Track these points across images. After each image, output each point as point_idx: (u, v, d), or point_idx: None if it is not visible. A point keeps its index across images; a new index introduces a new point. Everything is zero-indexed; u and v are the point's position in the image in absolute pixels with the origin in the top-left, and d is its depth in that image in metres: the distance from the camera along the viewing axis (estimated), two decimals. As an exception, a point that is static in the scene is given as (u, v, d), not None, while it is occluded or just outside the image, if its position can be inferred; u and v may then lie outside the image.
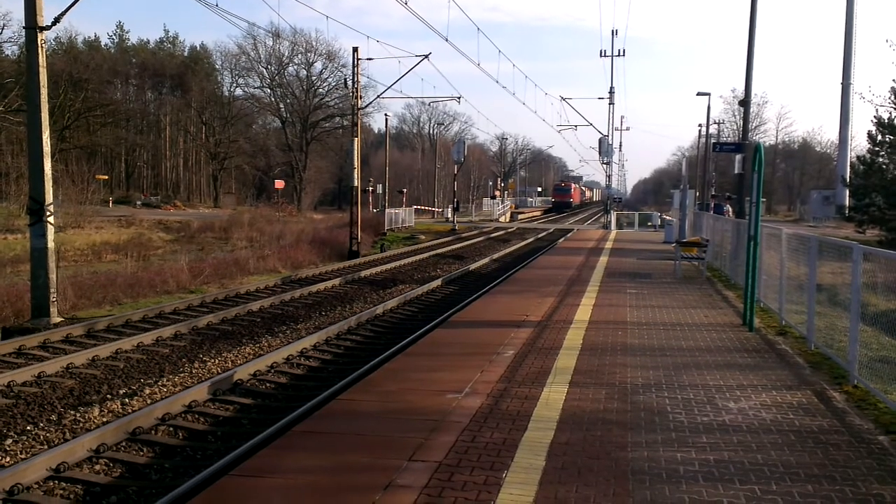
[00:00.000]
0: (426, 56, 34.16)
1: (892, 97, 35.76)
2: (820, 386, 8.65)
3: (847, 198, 56.46)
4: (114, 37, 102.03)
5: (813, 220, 66.66)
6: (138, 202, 73.83)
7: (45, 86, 15.54)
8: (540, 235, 44.68)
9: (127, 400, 9.79)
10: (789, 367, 9.63)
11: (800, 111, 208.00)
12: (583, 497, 5.37)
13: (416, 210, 63.40)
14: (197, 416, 9.21)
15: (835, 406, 7.86)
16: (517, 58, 64.67)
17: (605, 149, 50.25)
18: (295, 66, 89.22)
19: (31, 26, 15.22)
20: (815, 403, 7.91)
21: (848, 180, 55.90)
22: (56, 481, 7.13)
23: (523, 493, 5.43)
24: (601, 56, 51.70)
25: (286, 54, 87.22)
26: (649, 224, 54.42)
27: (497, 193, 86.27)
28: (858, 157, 53.65)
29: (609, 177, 53.44)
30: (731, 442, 6.60)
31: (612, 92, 49.99)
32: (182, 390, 10.19)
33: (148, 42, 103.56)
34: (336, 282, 20.49)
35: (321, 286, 19.64)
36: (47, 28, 15.38)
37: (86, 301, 17.63)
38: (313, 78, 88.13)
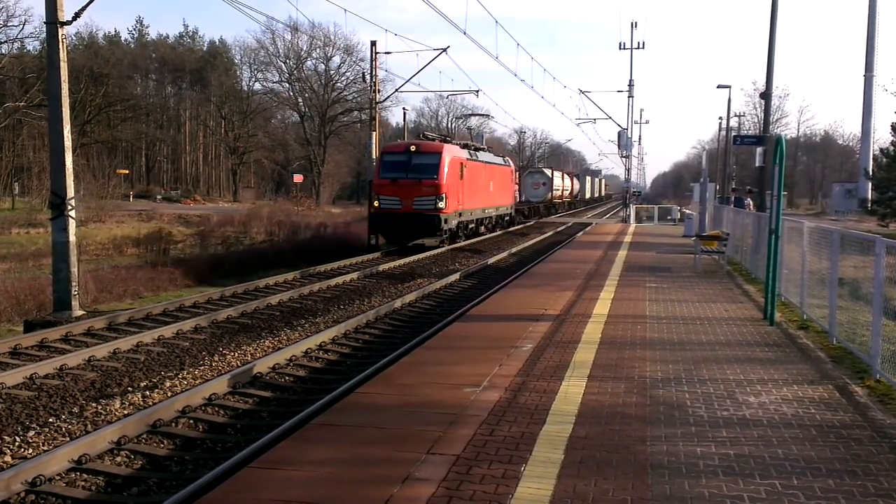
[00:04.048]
0: (444, 49, 34.09)
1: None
2: (842, 380, 8.57)
3: (870, 191, 56.06)
4: (133, 32, 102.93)
5: (835, 214, 66.19)
6: (158, 196, 74.39)
7: (66, 80, 15.64)
8: (559, 229, 44.52)
9: (148, 392, 9.86)
10: (811, 361, 9.55)
11: (821, 104, 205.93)
12: (602, 491, 5.35)
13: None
14: (217, 408, 9.27)
15: (857, 401, 7.79)
16: (536, 51, 64.45)
17: (624, 142, 49.97)
18: (313, 61, 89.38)
19: (52, 21, 15.33)
20: (837, 398, 7.84)
21: (870, 173, 55.53)
22: (78, 473, 7.19)
23: (541, 486, 5.42)
24: (620, 49, 51.29)
25: (304, 48, 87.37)
26: (669, 218, 54.11)
27: (516, 186, 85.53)
28: (881, 150, 53.27)
29: (628, 170, 53.17)
30: (751, 436, 6.56)
31: (631, 85, 49.68)
32: (202, 383, 10.25)
33: (167, 37, 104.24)
34: (354, 276, 20.54)
35: (339, 280, 19.69)
36: (68, 23, 15.48)
37: (107, 294, 17.79)
38: (331, 72, 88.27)
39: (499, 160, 39.78)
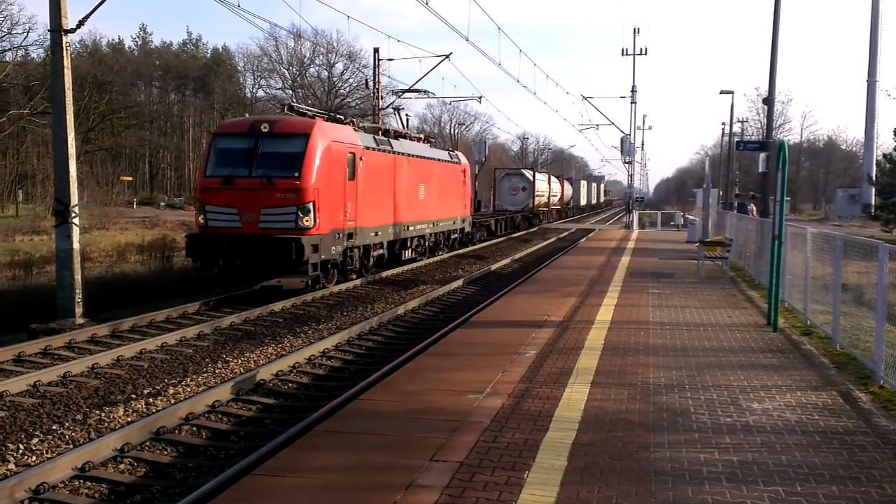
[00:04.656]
0: (447, 56, 34.15)
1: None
2: (845, 386, 8.56)
3: (873, 196, 56.02)
4: (137, 39, 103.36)
5: (838, 219, 66.19)
6: (162, 203, 74.59)
7: (70, 88, 15.69)
8: (561, 235, 44.53)
9: (151, 400, 9.87)
10: (814, 367, 9.54)
11: (824, 109, 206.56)
12: (605, 498, 5.35)
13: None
14: (220, 415, 9.27)
15: (860, 407, 7.77)
16: (538, 57, 64.00)
17: (627, 148, 50.05)
18: (316, 67, 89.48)
19: (56, 29, 15.38)
20: (841, 404, 7.83)
21: (874, 178, 55.51)
22: (81, 480, 7.19)
23: (545, 493, 5.42)
24: (623, 55, 51.39)
25: (307, 55, 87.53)
26: (672, 224, 54.16)
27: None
28: (885, 156, 53.27)
29: (631, 176, 53.20)
30: (754, 443, 6.55)
31: (633, 91, 49.73)
32: (205, 390, 10.25)
33: (171, 44, 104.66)
34: (357, 282, 20.53)
35: (342, 287, 19.68)
36: (72, 31, 15.53)
37: (111, 301, 17.78)
38: (334, 79, 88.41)
39: (439, 153, 28.89)
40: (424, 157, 26.06)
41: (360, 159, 19.63)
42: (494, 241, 37.82)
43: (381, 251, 22.06)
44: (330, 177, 17.82)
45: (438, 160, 27.98)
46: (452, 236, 30.37)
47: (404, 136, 25.69)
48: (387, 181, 22.08)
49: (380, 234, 21.55)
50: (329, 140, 17.88)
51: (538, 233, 47.23)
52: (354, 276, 20.40)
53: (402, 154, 23.61)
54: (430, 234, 27.14)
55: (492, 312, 14.06)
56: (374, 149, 20.92)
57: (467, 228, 32.45)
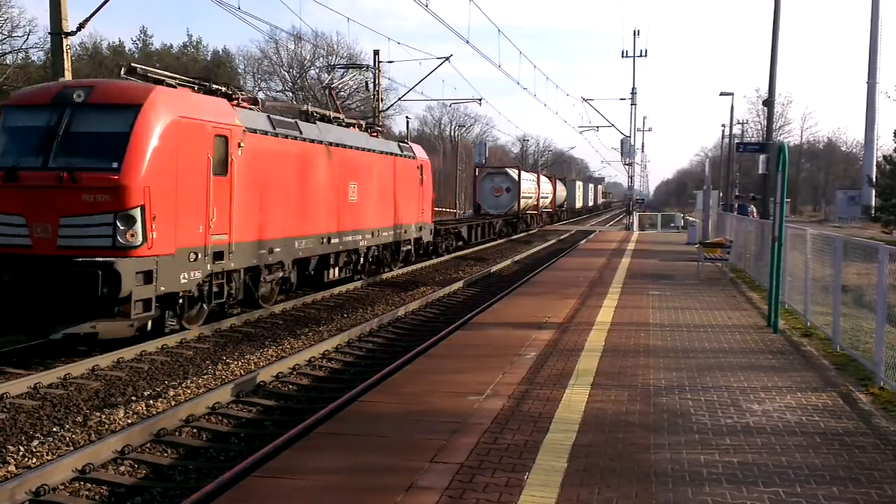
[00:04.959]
0: (447, 58, 34.20)
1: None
2: (845, 388, 8.56)
3: (873, 198, 56.04)
4: (137, 42, 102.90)
5: (838, 221, 66.20)
6: (162, 205, 74.38)
7: (71, 91, 15.70)
8: (562, 237, 44.52)
9: (151, 402, 9.87)
10: (814, 368, 9.55)
11: (825, 111, 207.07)
12: (605, 499, 5.35)
13: (438, 211, 62.89)
14: (220, 417, 9.27)
15: (861, 408, 7.78)
16: (538, 59, 63.74)
17: (627, 150, 50.13)
18: (316, 70, 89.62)
19: (57, 32, 15.46)
20: (841, 405, 7.83)
21: (874, 180, 55.54)
22: (82, 482, 7.19)
23: (545, 494, 5.42)
24: (623, 57, 51.45)
25: (308, 58, 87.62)
26: (672, 225, 54.16)
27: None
28: (885, 157, 53.27)
29: (631, 178, 53.24)
30: (755, 444, 6.55)
31: (633, 93, 49.76)
32: (206, 392, 10.25)
33: (171, 47, 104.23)
34: (357, 284, 20.53)
35: (343, 288, 19.68)
36: (72, 33, 15.62)
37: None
38: (334, 81, 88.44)
39: (382, 144, 22.55)
40: (357, 148, 19.88)
41: (239, 145, 14.11)
42: (495, 243, 37.79)
43: (281, 273, 16.32)
44: (177, 169, 12.32)
45: (381, 152, 21.72)
46: (404, 248, 24.12)
47: (329, 120, 19.65)
48: (292, 177, 16.46)
49: (278, 250, 15.81)
50: (177, 115, 12.33)
51: (538, 234, 47.22)
52: (237, 310, 15.26)
53: (319, 142, 17.73)
54: (369, 247, 21.01)
55: (492, 314, 14.06)
56: (265, 132, 15.26)
57: (426, 237, 26.24)
